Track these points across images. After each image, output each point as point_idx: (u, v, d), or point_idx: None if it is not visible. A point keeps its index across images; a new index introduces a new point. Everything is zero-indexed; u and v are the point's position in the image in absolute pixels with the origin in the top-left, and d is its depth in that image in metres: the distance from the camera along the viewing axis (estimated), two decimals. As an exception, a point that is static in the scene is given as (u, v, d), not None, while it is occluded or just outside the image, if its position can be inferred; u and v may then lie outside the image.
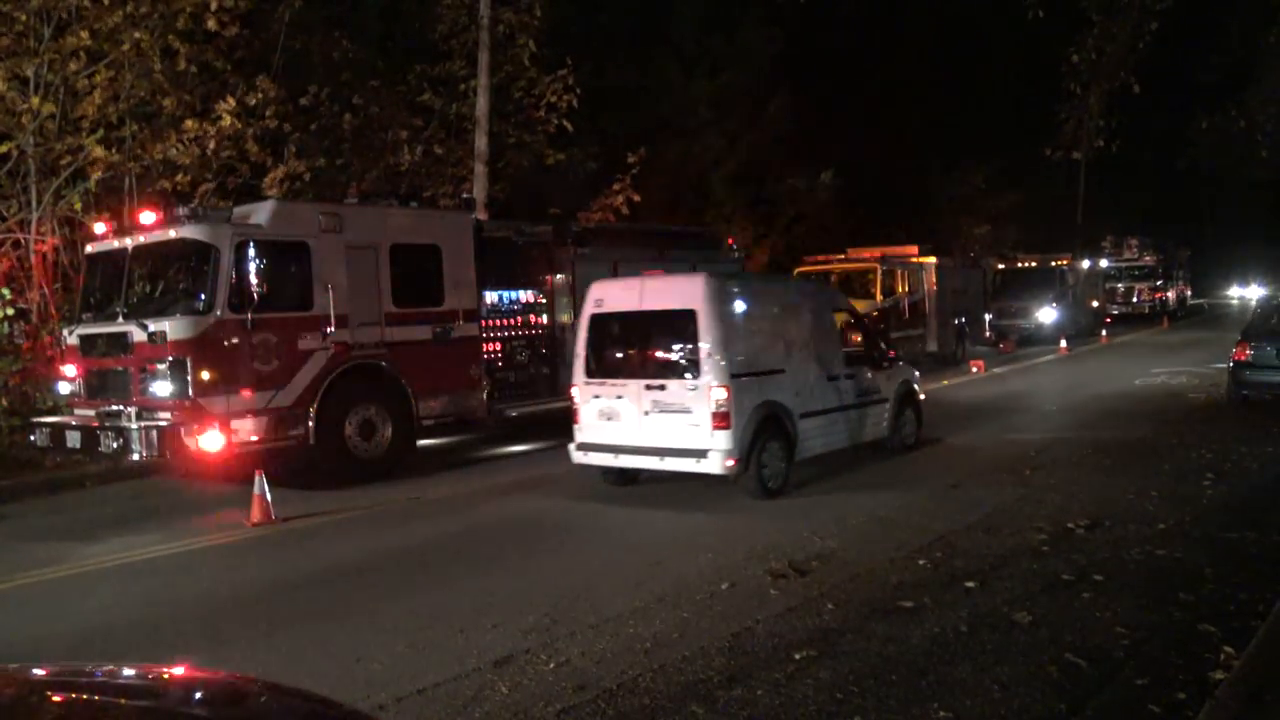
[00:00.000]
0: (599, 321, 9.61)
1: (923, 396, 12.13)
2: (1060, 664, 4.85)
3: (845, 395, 10.25)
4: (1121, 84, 17.03)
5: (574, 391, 9.65)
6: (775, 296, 10.25)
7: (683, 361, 8.94)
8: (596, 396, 9.42)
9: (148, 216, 10.30)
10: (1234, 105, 22.63)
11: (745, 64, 26.81)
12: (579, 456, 9.60)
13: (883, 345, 12.08)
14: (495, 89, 17.71)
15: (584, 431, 9.55)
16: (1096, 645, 5.09)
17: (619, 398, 9.24)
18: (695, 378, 8.75)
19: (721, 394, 8.63)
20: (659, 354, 9.36)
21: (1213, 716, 4.05)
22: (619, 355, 9.71)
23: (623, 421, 9.21)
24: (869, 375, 10.77)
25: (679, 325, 8.93)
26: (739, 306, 9.20)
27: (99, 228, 10.98)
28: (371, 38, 19.03)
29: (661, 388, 8.99)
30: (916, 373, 12.31)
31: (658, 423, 8.96)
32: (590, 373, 9.53)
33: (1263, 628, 5.00)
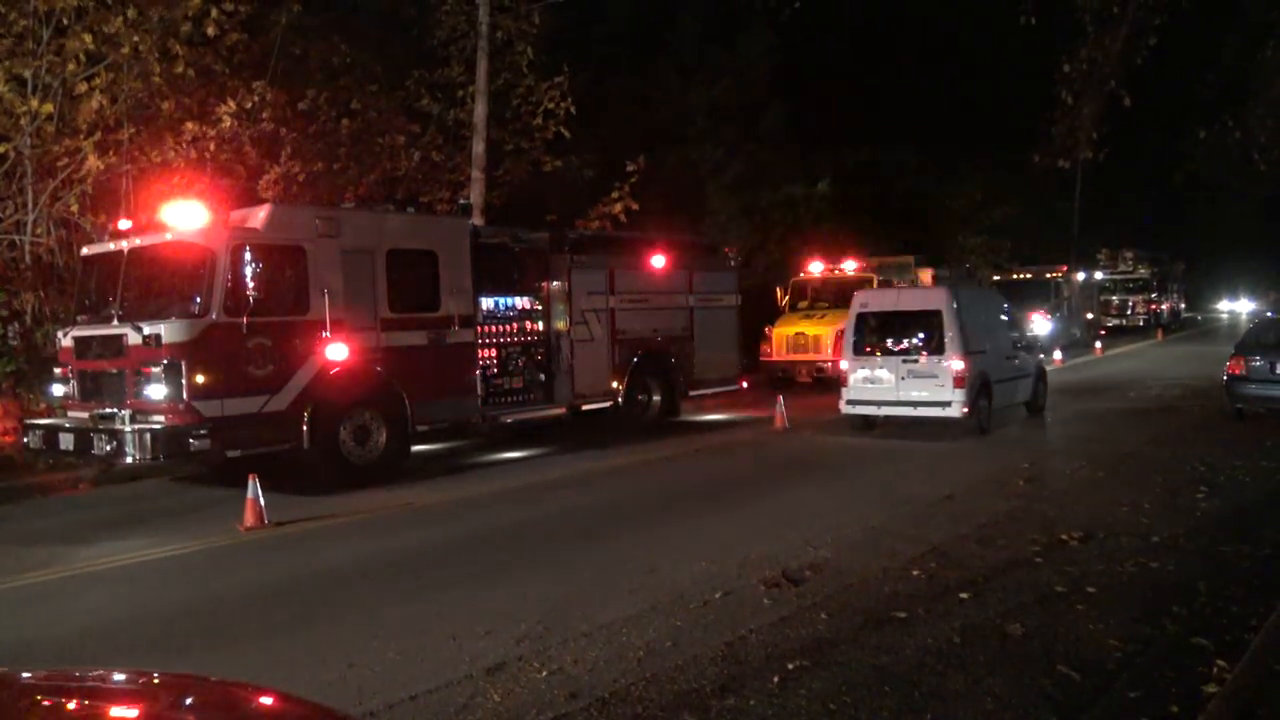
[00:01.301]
0: (863, 317, 13.75)
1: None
2: (1053, 676, 4.85)
3: (1013, 370, 14.55)
4: (1112, 95, 17.09)
5: (843, 364, 13.87)
6: (979, 300, 14.82)
7: (930, 344, 13.08)
8: (862, 368, 13.53)
9: (144, 219, 10.28)
10: (1230, 118, 22.72)
11: (743, 74, 26.88)
12: (848, 409, 13.81)
13: (1025, 337, 16.27)
14: (493, 95, 17.74)
15: (851, 392, 13.69)
16: (1089, 657, 5.09)
17: (880, 369, 13.38)
18: (940, 355, 12.90)
19: (960, 365, 12.85)
20: (911, 339, 13.35)
21: (1205, 730, 4.05)
22: (878, 340, 13.60)
23: (883, 385, 13.40)
24: (1023, 357, 14.99)
25: (927, 320, 13.19)
26: (964, 308, 13.28)
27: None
28: (370, 43, 19.04)
29: (915, 361, 13.16)
30: (1044, 356, 17.29)
31: (911, 385, 13.16)
32: (857, 352, 13.61)
33: (1255, 641, 5.00)
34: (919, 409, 13.21)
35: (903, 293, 14.99)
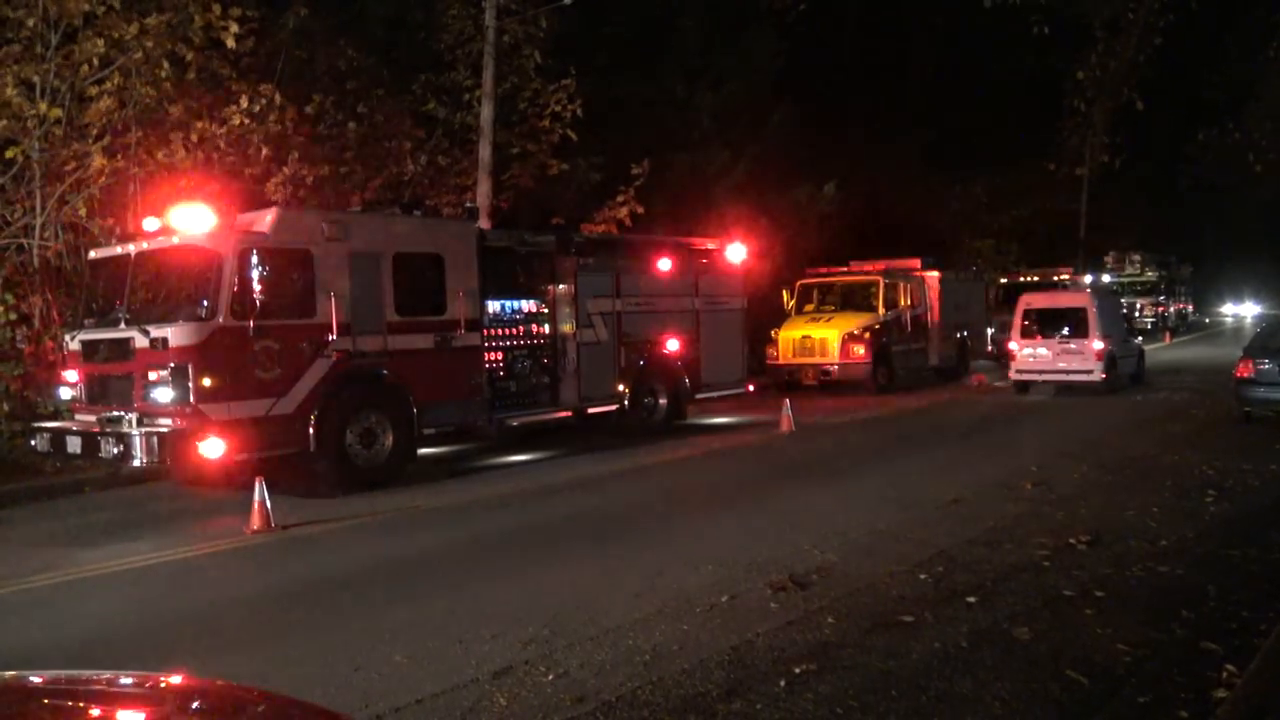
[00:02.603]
0: (1028, 312, 19.02)
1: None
2: (1061, 681, 4.83)
3: (1127, 350, 20.03)
4: (1125, 100, 17.07)
5: (1012, 345, 19.01)
6: (1108, 301, 20.68)
7: (1077, 330, 18.35)
8: (1027, 348, 18.72)
9: (151, 222, 10.31)
10: (1232, 121, 22.68)
11: (749, 77, 26.85)
12: (1016, 377, 18.93)
13: (1133, 325, 22.79)
14: (500, 99, 17.75)
15: (1019, 364, 18.83)
16: (1098, 662, 5.07)
17: (1041, 349, 18.64)
18: (1085, 338, 18.23)
19: (1100, 345, 18.17)
20: (1065, 327, 18.50)
21: (1215, 735, 4.03)
22: (1038, 327, 18.79)
23: (1042, 359, 18.66)
24: (1132, 342, 20.87)
25: (1075, 314, 18.54)
26: (1099, 306, 18.74)
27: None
28: (377, 47, 19.08)
29: (1068, 342, 18.41)
30: (1140, 339, 23.41)
31: (1064, 360, 18.43)
32: (1024, 336, 18.79)
33: (1265, 645, 4.97)
34: (1069, 375, 18.48)
35: (1056, 294, 22.23)
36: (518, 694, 4.86)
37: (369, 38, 19.04)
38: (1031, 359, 18.72)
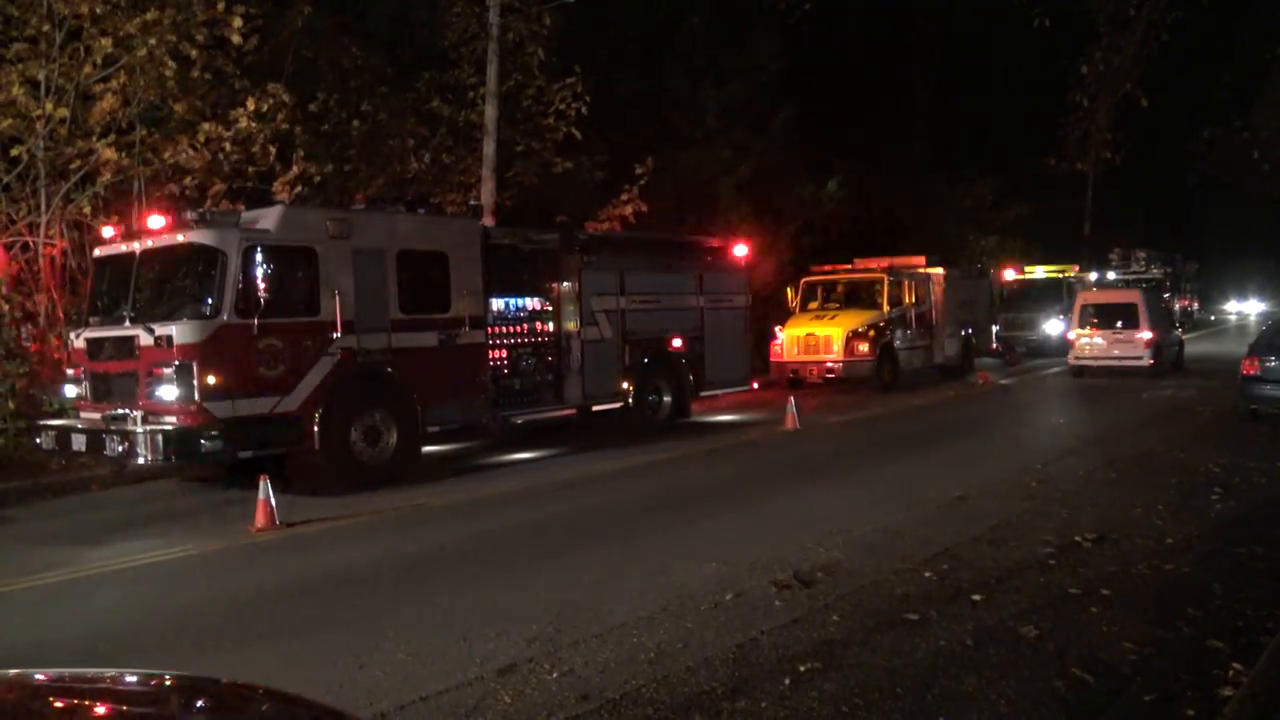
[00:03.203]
0: (1085, 306, 21.93)
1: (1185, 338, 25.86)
2: (1067, 679, 4.82)
3: (1170, 340, 22.70)
4: (1128, 96, 17.01)
5: (1071, 335, 22.06)
6: (1155, 298, 24.13)
7: (1129, 323, 20.94)
8: (1085, 338, 21.48)
9: (156, 220, 10.33)
10: (1240, 118, 22.61)
11: (753, 74, 26.82)
12: (1075, 362, 21.72)
13: (1174, 319, 27.55)
14: (504, 97, 17.74)
15: (1076, 351, 21.73)
16: (1103, 660, 5.05)
17: (1097, 338, 21.28)
18: (1137, 329, 20.79)
19: (1149, 335, 20.76)
20: (1118, 320, 21.12)
21: (1221, 734, 4.02)
22: (1095, 320, 21.43)
23: (1097, 348, 21.36)
24: (1175, 334, 24.05)
25: (1128, 308, 21.30)
26: (1149, 300, 21.92)
27: (107, 231, 10.97)
28: (381, 45, 19.07)
29: (1120, 332, 20.98)
30: (1180, 330, 26.97)
31: (1118, 349, 21.03)
32: (1081, 326, 21.55)
33: (1272, 643, 4.95)
34: (1122, 361, 20.94)
35: (1110, 292, 26.53)
36: (522, 692, 4.85)
37: (373, 35, 19.03)
38: (1089, 347, 21.61)
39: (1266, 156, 21.89)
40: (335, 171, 16.49)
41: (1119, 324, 21.03)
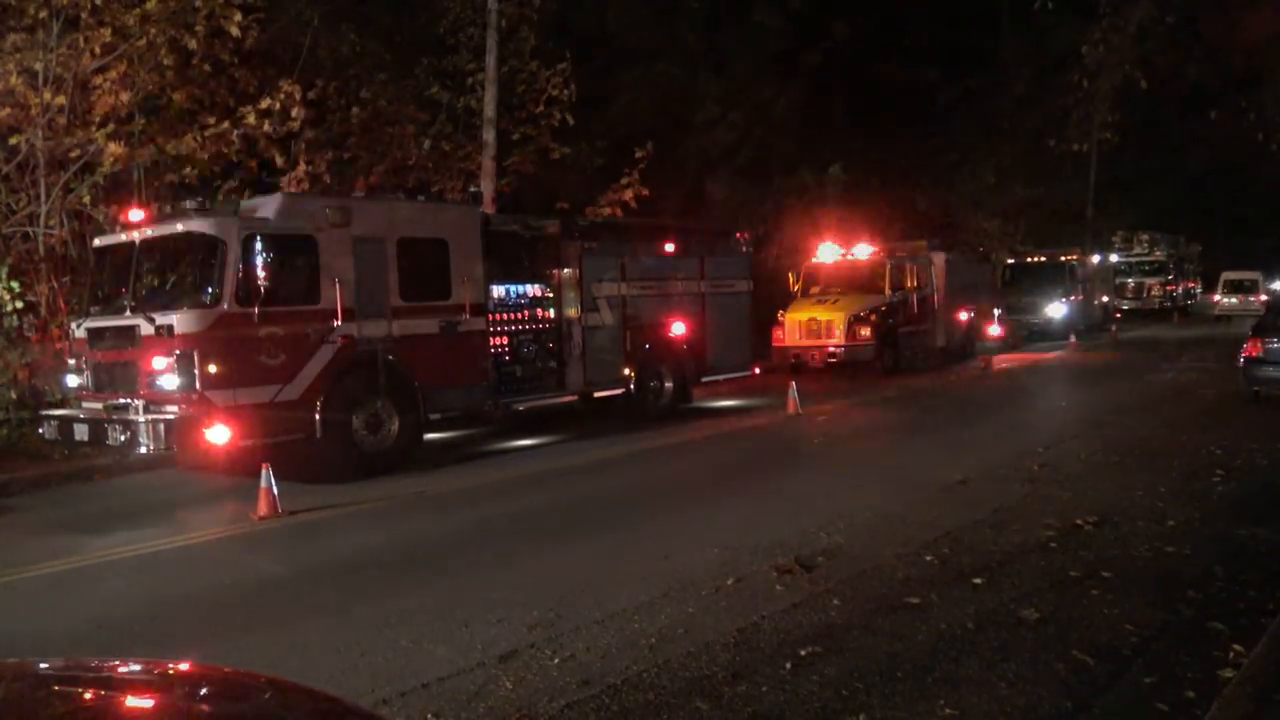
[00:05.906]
0: (1226, 281, 35.75)
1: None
2: (1068, 661, 4.83)
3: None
4: (1127, 78, 16.94)
5: (1215, 298, 34.98)
6: (1262, 271, 36.54)
7: (1251, 291, 32.57)
8: (1224, 299, 35.09)
9: (155, 210, 10.30)
10: (1246, 100, 22.50)
11: (753, 58, 26.71)
12: (1220, 312, 32.86)
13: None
14: (500, 83, 17.67)
15: (1220, 308, 32.77)
16: (1104, 643, 5.07)
17: (1232, 299, 33.84)
18: (1255, 294, 29.73)
19: (1265, 297, 26.14)
20: (1244, 289, 32.23)
21: (1221, 715, 4.03)
22: (1230, 289, 31.86)
23: (1231, 305, 33.77)
24: None
25: (1253, 282, 33.49)
26: (1266, 277, 32.30)
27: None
28: (379, 31, 18.99)
29: (1246, 296, 32.05)
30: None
31: (1244, 306, 30.75)
32: (1222, 293, 34.38)
33: (1273, 625, 4.97)
34: (1247, 311, 25.17)
35: (1242, 271, 35.11)
36: (524, 677, 4.87)
37: (371, 22, 18.95)
38: (1227, 305, 34.26)
39: (1274, 138, 21.78)
40: (335, 159, 16.45)
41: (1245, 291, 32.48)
